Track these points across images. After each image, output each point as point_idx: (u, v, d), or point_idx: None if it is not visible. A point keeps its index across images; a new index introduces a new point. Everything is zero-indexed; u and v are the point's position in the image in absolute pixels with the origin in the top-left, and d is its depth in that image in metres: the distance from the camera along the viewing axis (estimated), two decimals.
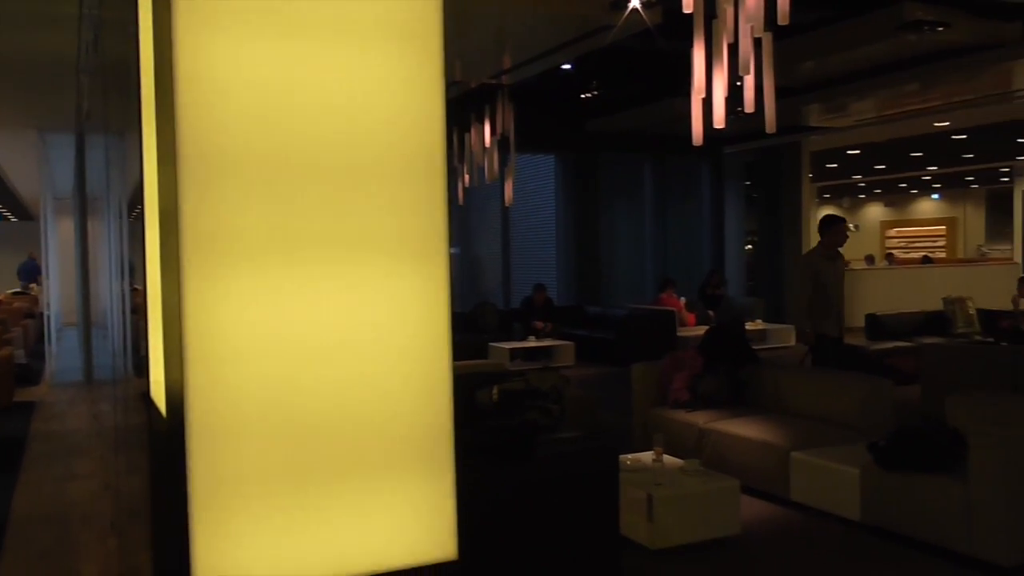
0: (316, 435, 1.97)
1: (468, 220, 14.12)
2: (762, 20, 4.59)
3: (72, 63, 7.10)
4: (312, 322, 1.94)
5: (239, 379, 1.89)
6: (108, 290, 7.43)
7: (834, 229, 6.81)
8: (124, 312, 5.33)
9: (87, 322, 12.32)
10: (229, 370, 1.88)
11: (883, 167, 21.63)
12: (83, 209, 11.81)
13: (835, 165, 20.31)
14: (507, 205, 11.55)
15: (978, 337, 9.97)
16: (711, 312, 13.17)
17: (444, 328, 2.13)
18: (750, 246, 18.12)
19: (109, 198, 6.41)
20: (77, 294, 12.62)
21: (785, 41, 8.27)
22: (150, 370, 2.67)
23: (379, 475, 2.06)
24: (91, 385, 11.17)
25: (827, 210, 28.82)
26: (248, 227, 1.88)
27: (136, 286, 4.73)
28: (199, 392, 1.86)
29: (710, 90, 5.13)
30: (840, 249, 6.99)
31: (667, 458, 4.94)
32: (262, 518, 1.92)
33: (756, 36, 4.75)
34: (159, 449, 2.45)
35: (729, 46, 4.93)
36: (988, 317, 10.36)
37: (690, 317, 12.96)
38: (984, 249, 24.87)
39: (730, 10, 4.75)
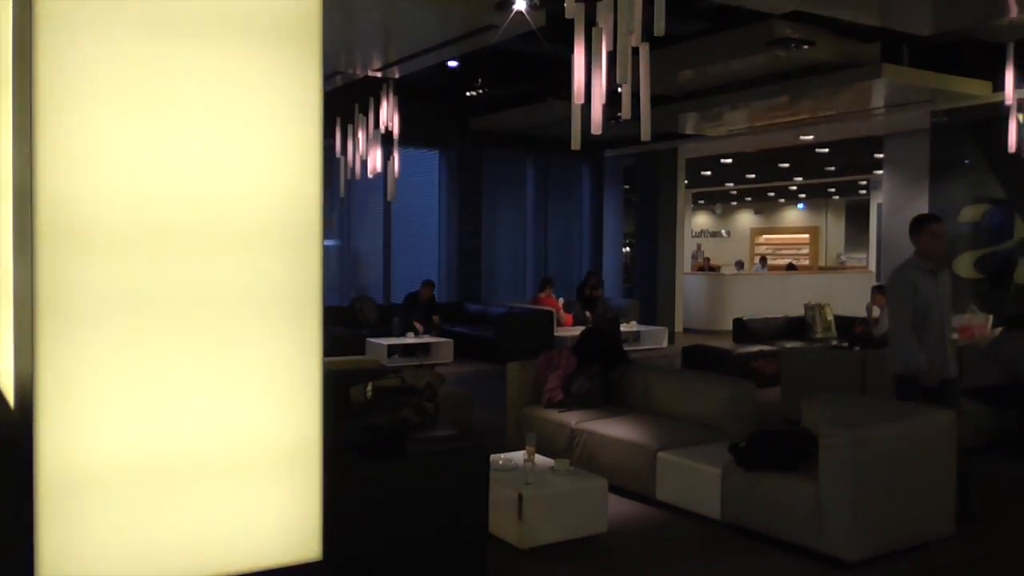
0: (177, 432, 1.91)
1: (349, 212, 13.94)
2: (640, 30, 4.71)
3: None
4: (176, 312, 1.88)
5: (97, 371, 1.81)
6: None
7: (925, 231, 5.10)
8: None
9: None
10: (85, 361, 1.80)
11: (753, 176, 22.57)
12: None
13: (709, 172, 21.05)
14: (389, 200, 11.45)
15: (835, 342, 10.54)
16: (588, 313, 13.43)
17: (315, 329, 2.10)
18: (627, 248, 18.58)
19: None
20: None
21: (663, 50, 8.53)
22: None
23: (242, 475, 2.01)
24: None
25: (701, 216, 29.81)
26: (109, 212, 1.80)
27: None
28: (51, 382, 1.76)
29: (589, 96, 5.24)
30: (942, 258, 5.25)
31: (539, 457, 5.01)
32: (117, 517, 1.84)
33: (634, 46, 4.87)
34: (4, 442, 2.31)
35: (609, 54, 5.04)
36: (844, 323, 10.97)
37: (568, 317, 13.19)
38: (843, 257, 26.32)
39: (610, 18, 4.85)
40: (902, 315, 5.02)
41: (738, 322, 11.29)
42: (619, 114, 5.58)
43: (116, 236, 1.84)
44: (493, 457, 4.78)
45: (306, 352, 2.12)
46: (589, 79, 5.19)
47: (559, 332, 12.40)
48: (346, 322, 12.12)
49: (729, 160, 18.45)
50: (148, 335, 1.88)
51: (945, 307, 5.11)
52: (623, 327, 12.97)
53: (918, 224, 5.18)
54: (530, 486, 4.58)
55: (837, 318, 11.29)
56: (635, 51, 4.98)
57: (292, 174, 2.03)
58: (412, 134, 10.98)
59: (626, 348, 7.58)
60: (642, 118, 5.18)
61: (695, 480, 5.08)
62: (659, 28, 4.53)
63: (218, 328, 1.99)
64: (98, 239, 1.84)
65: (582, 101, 5.22)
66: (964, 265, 11.13)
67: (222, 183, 1.97)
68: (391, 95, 9.87)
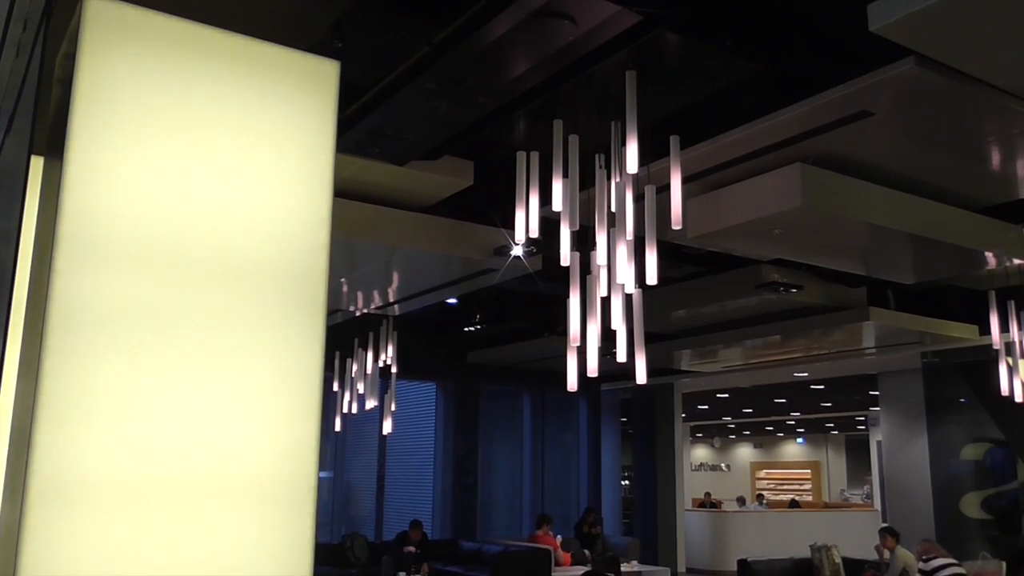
0: None
1: (344, 444, 13.81)
2: (632, 279, 4.91)
3: None
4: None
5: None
6: None
7: None
8: None
9: None
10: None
11: (750, 410, 22.57)
12: None
13: (706, 406, 21.07)
14: (385, 434, 11.39)
15: None
16: (587, 552, 12.95)
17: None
18: (626, 481, 18.22)
19: None
20: None
21: (656, 291, 8.85)
22: None
23: None
24: None
25: (700, 449, 29.41)
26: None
27: None
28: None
29: (585, 338, 5.36)
30: None
31: None
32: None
33: (628, 292, 5.05)
34: None
35: (603, 299, 5.22)
36: (852, 565, 10.55)
37: (566, 556, 12.69)
38: (847, 494, 25.74)
39: (603, 268, 5.07)
40: None
41: (743, 564, 10.85)
42: (614, 350, 5.68)
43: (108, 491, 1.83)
44: None
45: None
46: (584, 322, 5.33)
47: (557, 572, 11.88)
48: (335, 560, 11.64)
49: (726, 395, 18.54)
50: None
51: None
52: (623, 567, 12.45)
53: None
54: None
55: (845, 560, 10.86)
56: (628, 297, 5.16)
57: (292, 426, 2.04)
58: (409, 366, 11.12)
59: None
60: (637, 362, 5.27)
61: None
62: (651, 278, 4.72)
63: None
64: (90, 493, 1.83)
65: (578, 343, 5.34)
66: (971, 505, 10.90)
67: (222, 434, 1.98)
68: (390, 330, 10.09)
